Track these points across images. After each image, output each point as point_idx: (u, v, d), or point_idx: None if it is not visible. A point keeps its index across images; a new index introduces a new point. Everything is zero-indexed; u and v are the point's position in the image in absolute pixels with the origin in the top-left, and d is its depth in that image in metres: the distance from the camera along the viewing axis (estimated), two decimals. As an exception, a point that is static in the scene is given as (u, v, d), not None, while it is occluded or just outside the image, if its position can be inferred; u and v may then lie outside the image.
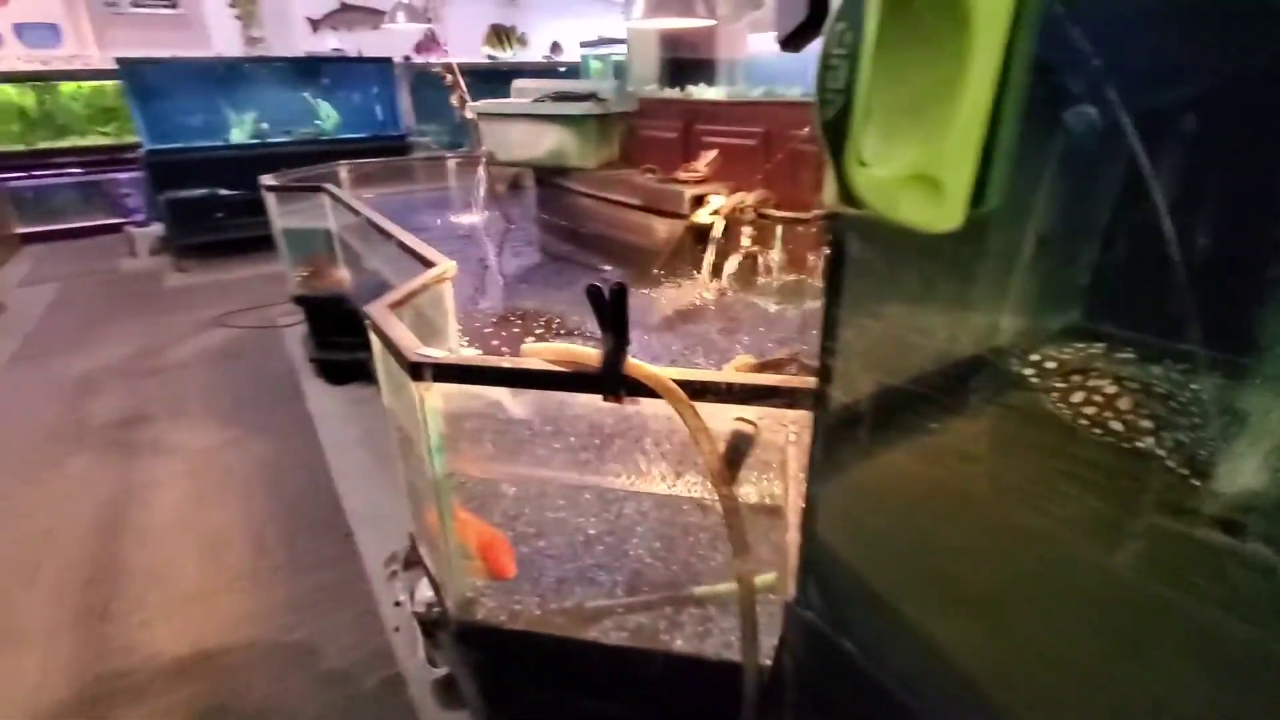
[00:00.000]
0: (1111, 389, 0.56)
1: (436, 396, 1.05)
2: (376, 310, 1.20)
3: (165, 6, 6.55)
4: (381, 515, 2.30)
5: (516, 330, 1.90)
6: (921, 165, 0.33)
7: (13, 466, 2.66)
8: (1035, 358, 0.68)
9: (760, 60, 2.73)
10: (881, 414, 0.54)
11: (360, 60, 6.43)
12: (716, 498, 0.92)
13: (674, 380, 0.90)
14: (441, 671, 1.62)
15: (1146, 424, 0.58)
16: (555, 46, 8.09)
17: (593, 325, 0.89)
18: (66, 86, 6.19)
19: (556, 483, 1.28)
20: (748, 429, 0.94)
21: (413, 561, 1.81)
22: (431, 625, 1.60)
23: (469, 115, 3.02)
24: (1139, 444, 0.60)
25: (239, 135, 5.68)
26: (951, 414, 0.60)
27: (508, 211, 3.14)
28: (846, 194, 0.34)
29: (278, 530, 2.25)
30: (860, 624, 0.55)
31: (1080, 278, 0.78)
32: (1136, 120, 0.48)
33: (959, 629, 0.55)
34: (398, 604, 1.87)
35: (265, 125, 5.78)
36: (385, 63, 6.24)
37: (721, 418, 0.95)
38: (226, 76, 5.72)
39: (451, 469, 1.11)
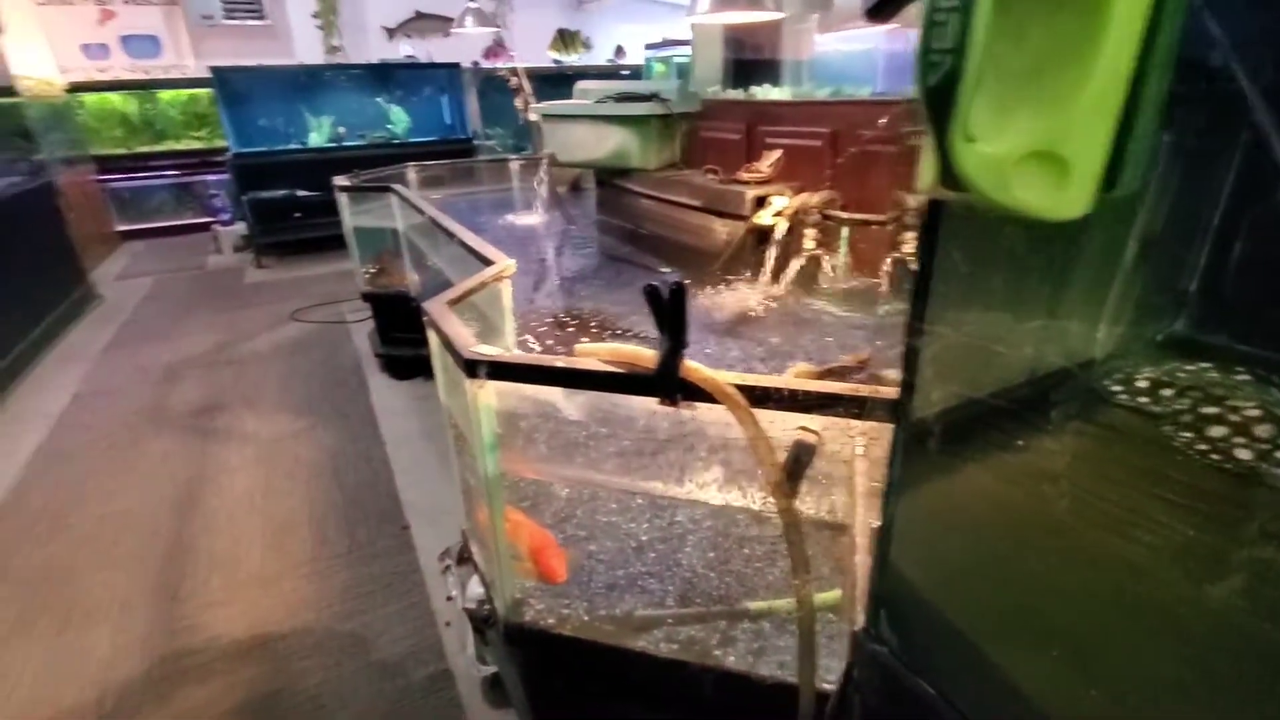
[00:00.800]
0: (1254, 411, 0.49)
1: (490, 394, 1.04)
2: (434, 307, 1.20)
3: (255, 18, 6.96)
4: (438, 509, 2.34)
5: (573, 329, 1.89)
6: (1043, 140, 0.28)
7: (101, 448, 2.85)
8: (1145, 379, 0.60)
9: (826, 60, 2.65)
10: (972, 430, 0.48)
11: (430, 66, 6.64)
12: (775, 510, 0.87)
13: (733, 385, 0.85)
14: (490, 670, 1.61)
15: (1286, 453, 0.50)
16: (619, 50, 8.14)
17: (649, 327, 0.86)
18: (165, 94, 6.65)
19: (609, 487, 1.26)
20: (810, 439, 0.89)
21: (465, 558, 1.82)
22: (482, 623, 1.60)
23: (532, 118, 3.06)
24: (1270, 472, 0.53)
25: (317, 139, 5.96)
26: (1050, 433, 0.54)
27: (568, 212, 3.16)
28: (948, 175, 0.29)
29: (338, 519, 2.31)
30: (938, 663, 0.49)
31: (1186, 282, 0.69)
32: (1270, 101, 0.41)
33: (1052, 675, 0.49)
34: (449, 599, 1.89)
35: (342, 129, 6.05)
36: (454, 68, 6.42)
37: (782, 426, 0.90)
38: (307, 83, 6.01)
39: (504, 468, 1.10)
